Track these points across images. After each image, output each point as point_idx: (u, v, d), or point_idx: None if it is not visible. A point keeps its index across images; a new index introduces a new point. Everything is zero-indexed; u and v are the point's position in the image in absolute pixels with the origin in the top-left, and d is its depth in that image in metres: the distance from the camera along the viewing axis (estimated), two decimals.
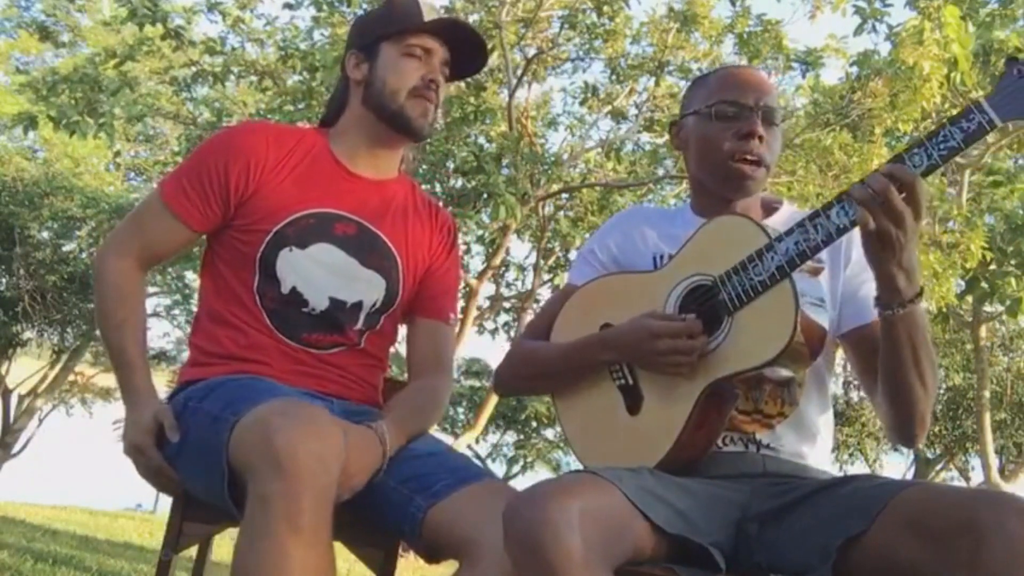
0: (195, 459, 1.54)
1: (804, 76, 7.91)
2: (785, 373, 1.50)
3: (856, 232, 1.51)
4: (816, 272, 1.49)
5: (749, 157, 1.61)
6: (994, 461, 9.57)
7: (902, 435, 1.55)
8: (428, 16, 1.77)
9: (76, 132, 7.11)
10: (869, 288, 1.62)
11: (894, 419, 1.53)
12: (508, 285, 10.70)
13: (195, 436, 1.55)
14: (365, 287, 1.76)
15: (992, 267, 6.80)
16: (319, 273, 1.72)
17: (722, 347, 1.47)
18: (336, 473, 1.37)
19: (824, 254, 1.47)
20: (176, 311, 14.18)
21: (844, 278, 1.63)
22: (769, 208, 1.73)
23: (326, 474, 1.34)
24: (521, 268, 10.60)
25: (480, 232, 9.25)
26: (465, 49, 1.83)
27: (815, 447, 1.62)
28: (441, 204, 1.96)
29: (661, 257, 1.68)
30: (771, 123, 1.64)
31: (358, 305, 1.76)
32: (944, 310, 7.53)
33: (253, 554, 1.31)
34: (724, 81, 1.69)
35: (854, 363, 1.64)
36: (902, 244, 1.35)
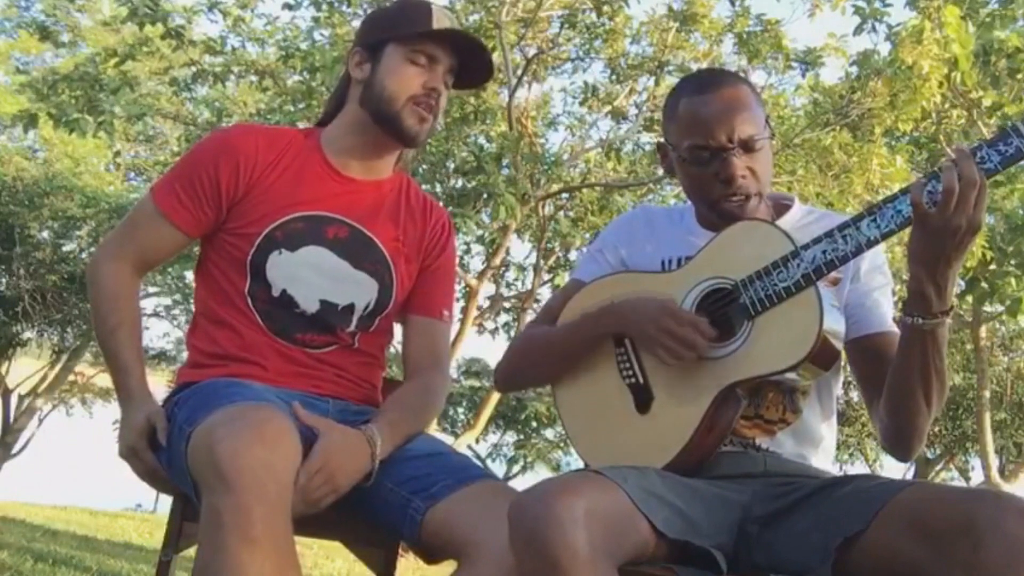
0: (174, 466, 1.53)
1: (804, 76, 7.93)
2: (792, 376, 1.49)
3: None
4: (835, 282, 1.48)
5: (735, 198, 1.56)
6: (994, 461, 9.56)
7: (895, 447, 1.54)
8: (438, 23, 1.72)
9: (75, 130, 7.11)
10: (877, 299, 1.61)
11: (890, 429, 1.52)
12: (508, 285, 10.71)
13: (172, 444, 1.55)
14: (357, 289, 1.75)
15: (992, 267, 6.79)
16: (309, 276, 1.71)
17: (740, 351, 1.46)
18: (288, 478, 1.33)
19: None
20: (176, 311, 14.18)
21: (851, 287, 1.61)
22: (780, 207, 1.69)
23: (275, 482, 1.30)
24: (521, 268, 10.61)
25: (480, 232, 9.24)
26: (472, 58, 1.79)
27: (817, 452, 1.61)
28: (439, 203, 1.95)
29: (669, 262, 1.65)
30: (752, 150, 1.55)
31: (350, 307, 1.75)
32: None
33: (210, 568, 1.29)
34: (691, 120, 1.57)
35: (855, 370, 1.63)
36: (946, 252, 1.34)
